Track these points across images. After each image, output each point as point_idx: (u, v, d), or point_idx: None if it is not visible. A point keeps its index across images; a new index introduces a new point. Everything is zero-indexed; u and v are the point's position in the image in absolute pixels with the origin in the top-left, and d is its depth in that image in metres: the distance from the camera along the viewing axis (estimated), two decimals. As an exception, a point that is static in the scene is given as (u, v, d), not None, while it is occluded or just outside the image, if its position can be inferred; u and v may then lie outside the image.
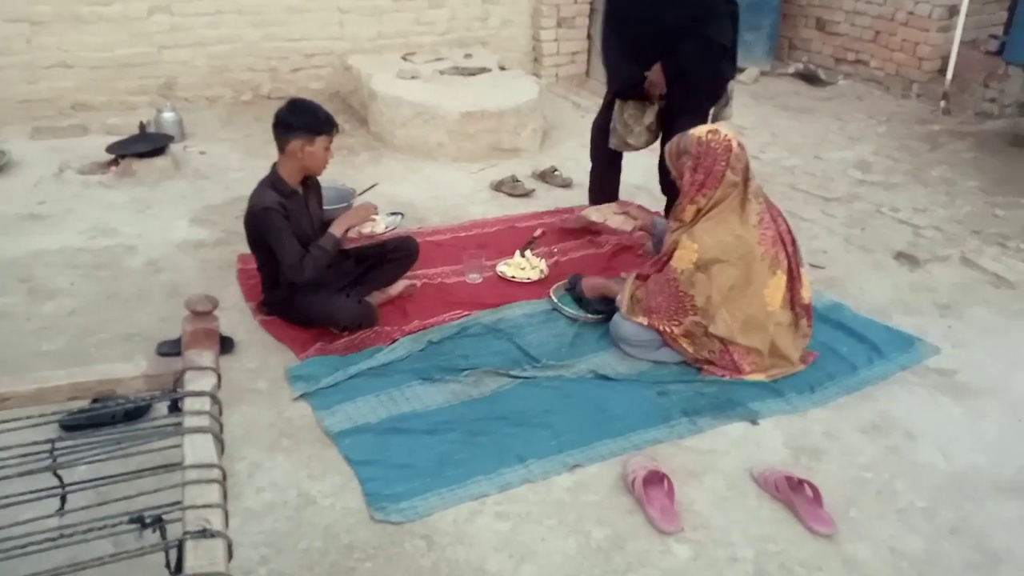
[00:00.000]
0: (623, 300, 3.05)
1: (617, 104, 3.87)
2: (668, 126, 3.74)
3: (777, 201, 4.53)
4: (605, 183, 4.18)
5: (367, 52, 5.97)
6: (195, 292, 3.23)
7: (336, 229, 3.05)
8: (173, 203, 4.24)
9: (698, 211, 2.88)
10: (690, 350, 2.94)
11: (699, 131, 2.85)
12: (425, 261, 3.56)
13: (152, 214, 4.11)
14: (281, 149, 3.01)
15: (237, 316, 3.24)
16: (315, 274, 2.97)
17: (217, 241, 3.85)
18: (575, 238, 4.04)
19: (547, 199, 4.51)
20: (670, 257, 2.93)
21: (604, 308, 3.25)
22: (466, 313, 3.30)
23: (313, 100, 3.14)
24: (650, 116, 3.82)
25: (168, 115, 5.05)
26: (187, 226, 4.00)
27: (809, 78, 6.87)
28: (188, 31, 5.50)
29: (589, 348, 3.12)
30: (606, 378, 2.93)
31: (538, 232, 4.05)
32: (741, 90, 6.68)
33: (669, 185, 3.77)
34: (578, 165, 4.91)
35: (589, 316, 3.27)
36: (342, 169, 4.78)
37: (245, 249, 3.50)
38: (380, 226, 3.21)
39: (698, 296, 2.85)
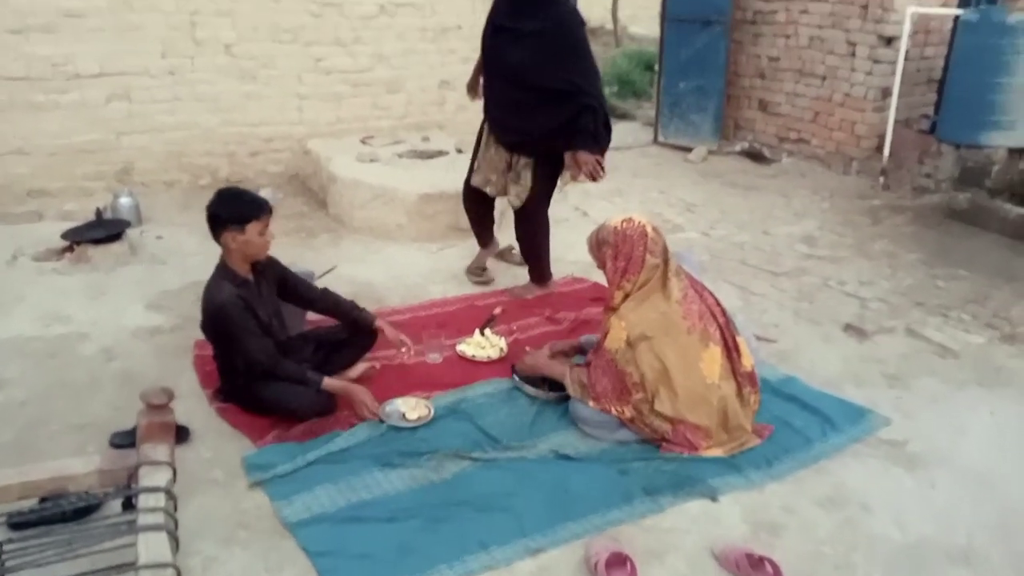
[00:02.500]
0: (569, 385, 3.10)
1: (484, 140, 4.15)
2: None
3: (728, 276, 4.70)
4: (484, 224, 4.49)
5: (326, 136, 6.08)
6: (149, 380, 3.24)
7: (330, 383, 3.04)
8: (129, 289, 4.21)
9: (626, 296, 2.98)
10: (646, 431, 2.97)
11: (614, 221, 2.99)
12: (384, 342, 3.56)
13: (107, 300, 4.07)
14: (217, 243, 3.02)
15: (193, 403, 3.20)
16: (274, 377, 2.99)
17: (173, 327, 3.82)
18: (534, 315, 4.10)
19: (506, 277, 4.57)
20: (604, 338, 3.01)
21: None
22: (426, 395, 3.30)
23: (238, 187, 3.14)
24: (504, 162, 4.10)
25: (125, 200, 5.06)
26: (142, 312, 3.97)
27: (754, 156, 7.15)
28: (146, 117, 5.56)
29: (550, 427, 3.14)
30: (567, 457, 2.94)
31: (497, 310, 4.10)
32: (689, 168, 6.94)
33: None
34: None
35: (550, 395, 3.29)
36: (301, 251, 4.82)
37: (201, 335, 3.49)
38: (413, 415, 3.12)
39: (635, 373, 2.91)
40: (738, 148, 7.29)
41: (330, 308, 3.34)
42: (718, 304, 3.08)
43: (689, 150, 7.25)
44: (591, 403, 3.01)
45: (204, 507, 2.63)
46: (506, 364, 3.56)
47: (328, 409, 3.11)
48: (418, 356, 3.63)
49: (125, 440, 2.92)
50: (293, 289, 3.27)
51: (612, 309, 3.02)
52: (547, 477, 2.83)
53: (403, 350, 3.38)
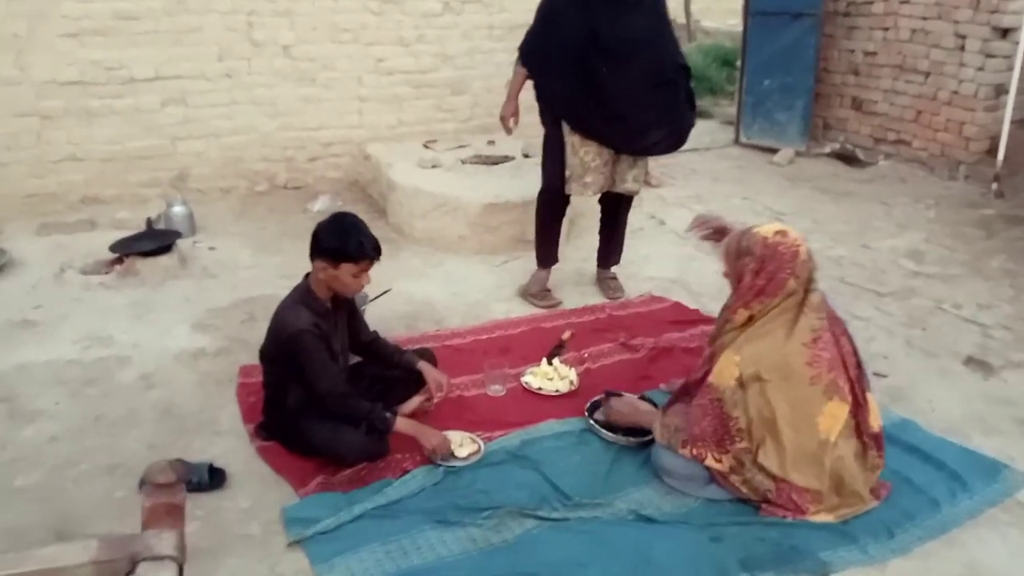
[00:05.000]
0: (658, 430, 2.68)
1: (569, 145, 3.71)
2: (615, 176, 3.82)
3: (829, 294, 4.21)
4: (557, 240, 4.13)
5: (387, 140, 5.79)
6: (189, 413, 2.94)
7: (402, 424, 2.75)
8: (175, 306, 3.97)
9: (750, 318, 2.54)
10: (743, 489, 2.55)
11: (765, 231, 2.50)
12: (443, 368, 3.22)
13: (152, 319, 3.83)
14: (311, 262, 2.74)
15: (233, 442, 2.91)
16: (341, 412, 2.70)
17: (218, 350, 3.55)
18: (607, 341, 3.70)
19: (574, 297, 4.18)
20: (708, 372, 2.57)
21: (646, 432, 2.89)
22: (486, 435, 2.95)
23: (358, 220, 2.75)
24: (606, 155, 3.73)
25: (178, 209, 4.85)
26: (188, 333, 3.72)
27: (847, 159, 6.59)
28: (202, 122, 5.35)
29: (629, 480, 2.74)
30: (650, 520, 2.54)
31: (566, 335, 3.71)
32: (775, 172, 6.42)
33: None
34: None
35: (630, 440, 2.90)
36: (357, 265, 4.52)
37: (248, 359, 3.22)
38: (463, 451, 2.83)
39: (741, 418, 2.48)
40: (828, 150, 6.73)
41: (377, 354, 3.05)
42: (855, 353, 2.61)
43: (774, 151, 6.73)
44: (682, 449, 2.58)
45: (237, 570, 2.33)
46: (577, 399, 3.18)
47: (380, 453, 2.78)
48: (478, 388, 3.28)
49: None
50: (355, 330, 2.97)
51: (728, 322, 2.59)
52: (626, 544, 2.44)
53: (435, 398, 3.04)
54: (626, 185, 3.83)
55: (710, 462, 2.54)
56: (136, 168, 5.30)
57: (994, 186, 5.52)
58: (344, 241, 2.65)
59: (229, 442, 2.91)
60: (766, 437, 2.48)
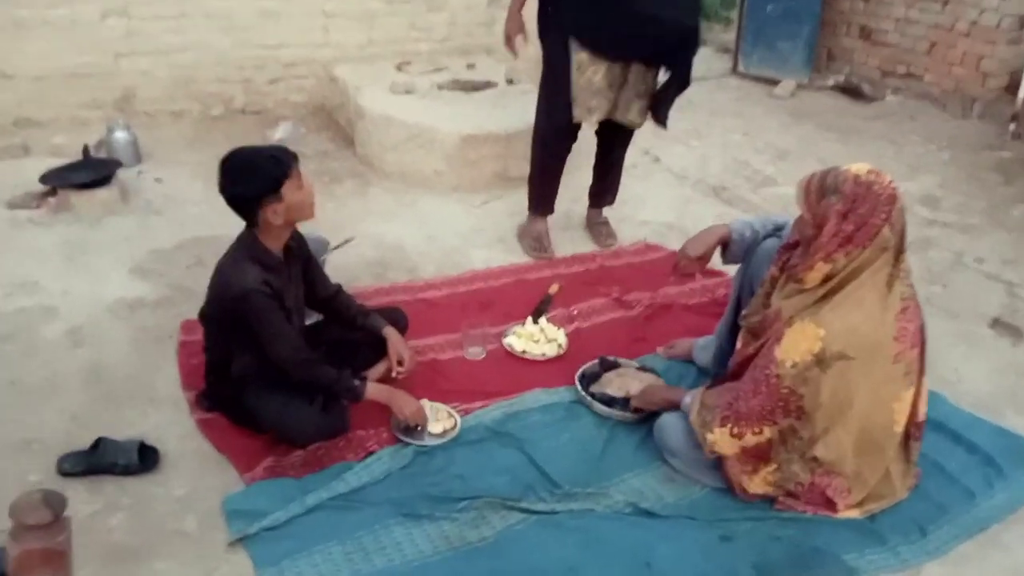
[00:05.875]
0: (695, 413, 2.23)
1: (575, 64, 3.26)
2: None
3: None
4: (553, 186, 3.66)
5: (356, 61, 5.23)
6: (119, 378, 2.59)
7: (373, 390, 2.39)
8: (113, 247, 3.51)
9: (828, 277, 2.05)
10: (757, 481, 2.20)
11: (858, 168, 2.03)
12: (415, 328, 2.86)
13: (85, 263, 3.39)
14: (253, 224, 2.29)
15: (170, 412, 2.53)
16: (304, 380, 2.32)
17: (159, 300, 3.13)
18: (599, 295, 3.32)
19: (563, 243, 3.77)
20: (771, 340, 2.12)
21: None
22: (463, 406, 2.59)
23: (243, 148, 2.34)
24: (614, 76, 3.30)
25: (120, 135, 4.33)
26: (125, 278, 3.28)
27: (851, 92, 6.15)
28: (148, 37, 4.76)
29: (625, 463, 2.40)
30: (650, 514, 2.21)
31: (553, 288, 3.33)
32: (776, 106, 5.98)
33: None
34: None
35: (626, 415, 2.55)
36: (322, 201, 4.01)
37: (191, 312, 2.81)
38: (437, 427, 2.47)
39: (809, 400, 2.06)
40: (831, 82, 6.28)
41: (339, 314, 2.63)
42: (922, 327, 2.22)
43: (774, 83, 6.26)
44: (719, 427, 2.14)
45: (166, 576, 1.97)
46: (566, 365, 2.83)
47: (339, 430, 2.41)
48: (455, 350, 2.91)
49: (76, 466, 2.27)
50: (312, 283, 2.54)
51: (799, 284, 2.09)
52: (623, 543, 2.11)
53: (393, 374, 2.59)
54: (630, 116, 3.39)
55: (750, 435, 2.14)
56: (75, 88, 4.73)
57: (1012, 127, 5.13)
58: (263, 168, 2.22)
59: (165, 413, 2.52)
60: (832, 427, 2.10)
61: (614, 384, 2.64)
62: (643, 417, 2.52)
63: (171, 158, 4.49)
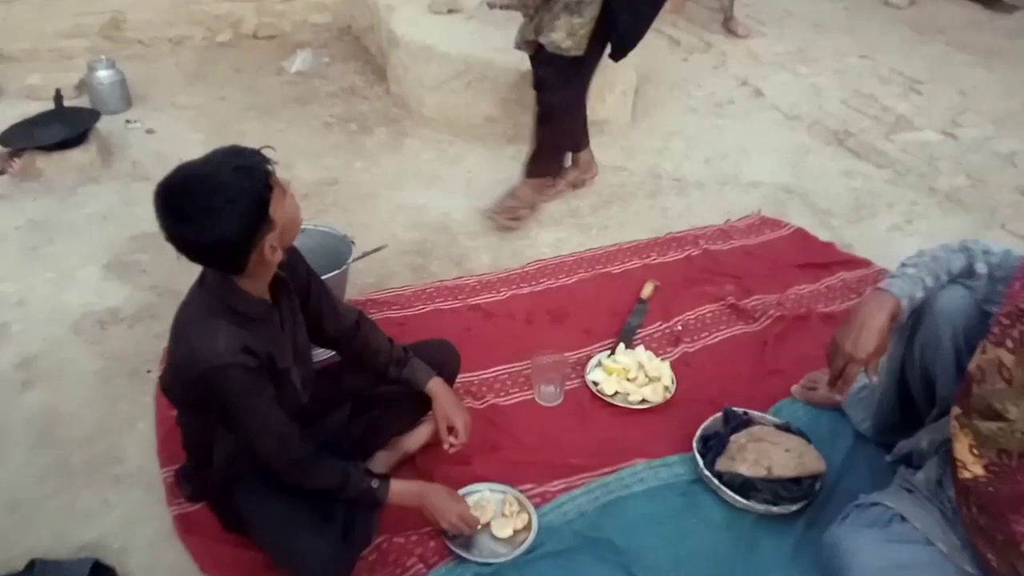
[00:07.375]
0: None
1: None
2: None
3: (1002, 217, 2.98)
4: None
5: (387, -28, 4.33)
6: (78, 436, 1.89)
7: (398, 491, 1.65)
8: (87, 230, 2.80)
9: None
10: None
11: None
12: (467, 354, 2.09)
13: (49, 254, 2.68)
14: (240, 271, 1.50)
15: (140, 499, 1.85)
16: (299, 487, 1.59)
17: (137, 311, 2.42)
18: (707, 298, 2.52)
19: (644, 204, 2.94)
20: None
21: (799, 492, 1.80)
22: (539, 491, 1.86)
23: (190, 169, 1.41)
24: None
25: (104, 74, 3.56)
26: (98, 278, 2.57)
27: (986, -1, 5.06)
28: (136, -53, 3.94)
29: (773, 591, 1.68)
30: None
31: (647, 289, 2.53)
32: (894, 17, 4.93)
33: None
34: (690, 143, 3.41)
35: (772, 509, 1.80)
36: (346, 159, 3.29)
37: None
38: (505, 529, 1.76)
39: None
40: (960, -15, 5.18)
41: (363, 359, 1.83)
42: None
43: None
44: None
45: None
46: (674, 415, 2.08)
47: (362, 546, 1.70)
48: (521, 389, 2.17)
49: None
50: (315, 313, 1.76)
51: None
52: None
53: (445, 446, 1.84)
54: (553, 36, 2.62)
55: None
56: (54, 13, 3.95)
57: None
58: (241, 189, 1.39)
59: (134, 501, 1.85)
60: None
61: (748, 456, 1.88)
62: (800, 509, 1.79)
63: (167, 100, 3.73)
